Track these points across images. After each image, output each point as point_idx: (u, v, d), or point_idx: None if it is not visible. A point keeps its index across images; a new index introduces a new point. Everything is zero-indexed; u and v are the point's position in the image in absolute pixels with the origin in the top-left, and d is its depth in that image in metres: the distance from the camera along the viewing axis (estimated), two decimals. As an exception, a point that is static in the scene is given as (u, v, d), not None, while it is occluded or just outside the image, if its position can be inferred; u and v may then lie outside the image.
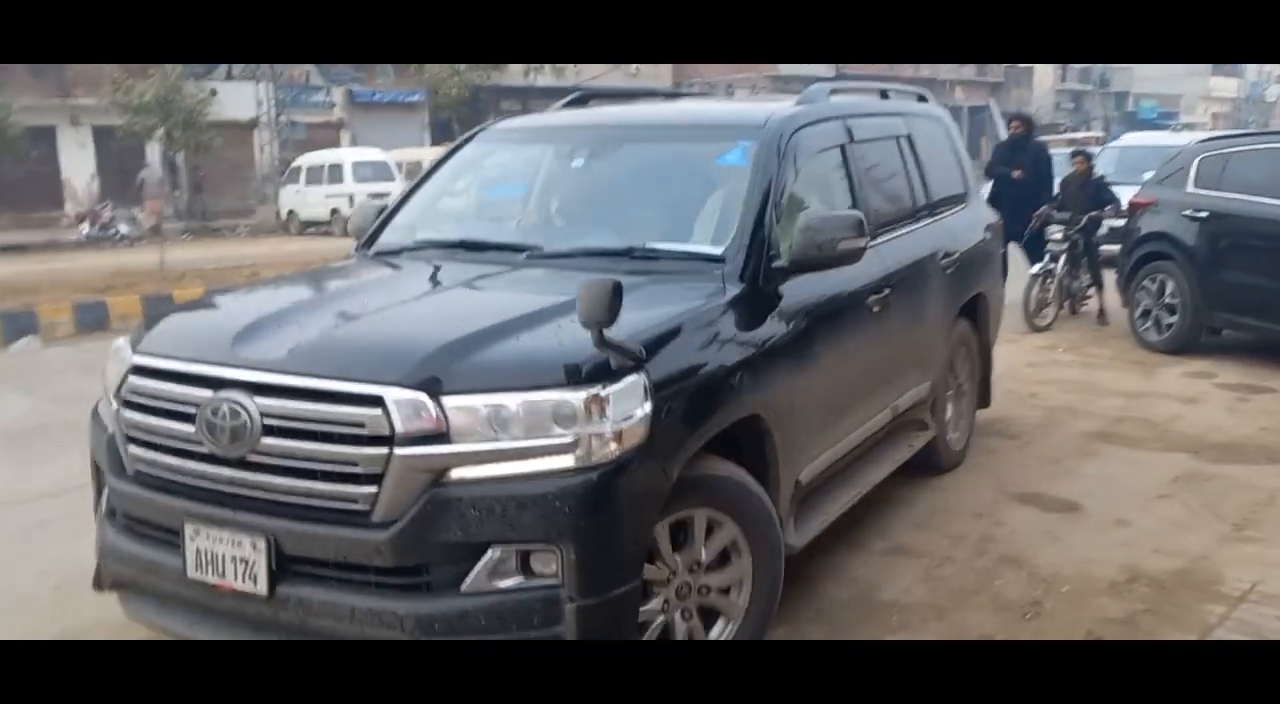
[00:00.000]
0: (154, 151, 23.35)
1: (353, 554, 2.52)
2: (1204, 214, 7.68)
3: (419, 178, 4.43)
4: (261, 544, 2.57)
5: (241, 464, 2.63)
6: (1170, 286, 7.91)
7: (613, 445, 2.52)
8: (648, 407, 2.62)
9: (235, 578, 2.61)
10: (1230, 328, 7.78)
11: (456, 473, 2.49)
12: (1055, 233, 8.96)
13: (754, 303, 3.25)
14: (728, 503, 2.97)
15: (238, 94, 24.42)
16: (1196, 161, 7.97)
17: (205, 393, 2.67)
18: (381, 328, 2.91)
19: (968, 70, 44.40)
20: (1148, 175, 8.79)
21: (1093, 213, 8.92)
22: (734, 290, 3.21)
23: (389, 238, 4.08)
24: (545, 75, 30.48)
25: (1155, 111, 51.56)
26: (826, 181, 4.05)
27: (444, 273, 3.55)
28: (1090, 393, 6.80)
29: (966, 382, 5.27)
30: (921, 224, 4.64)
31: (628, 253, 3.41)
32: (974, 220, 5.35)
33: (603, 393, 2.53)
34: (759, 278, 3.30)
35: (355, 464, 2.51)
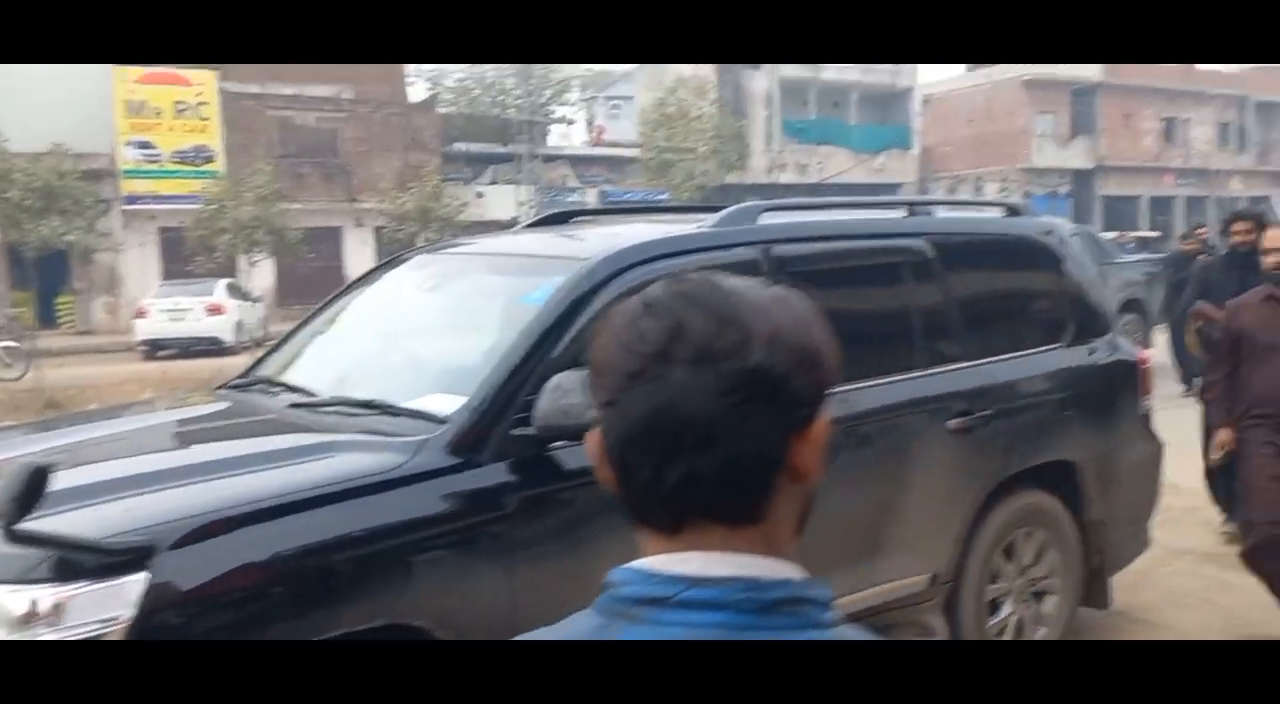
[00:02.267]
0: (426, 248, 25.78)
1: None
2: None
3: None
4: None
5: None
6: None
7: None
8: (128, 614, 2.11)
9: None
10: None
11: None
12: None
13: (449, 481, 2.58)
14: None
15: (499, 195, 26.57)
16: None
17: None
18: None
19: (1245, 160, 41.36)
20: None
21: None
22: (424, 463, 2.57)
23: (266, 369, 3.67)
24: (788, 173, 31.16)
25: None
26: None
27: (187, 416, 3.34)
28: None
29: (1051, 575, 3.99)
30: (924, 371, 3.62)
31: (368, 405, 2.91)
32: (1069, 363, 4.11)
33: (50, 597, 2.09)
34: (484, 448, 2.64)
35: None
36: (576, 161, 29.69)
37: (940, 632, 3.62)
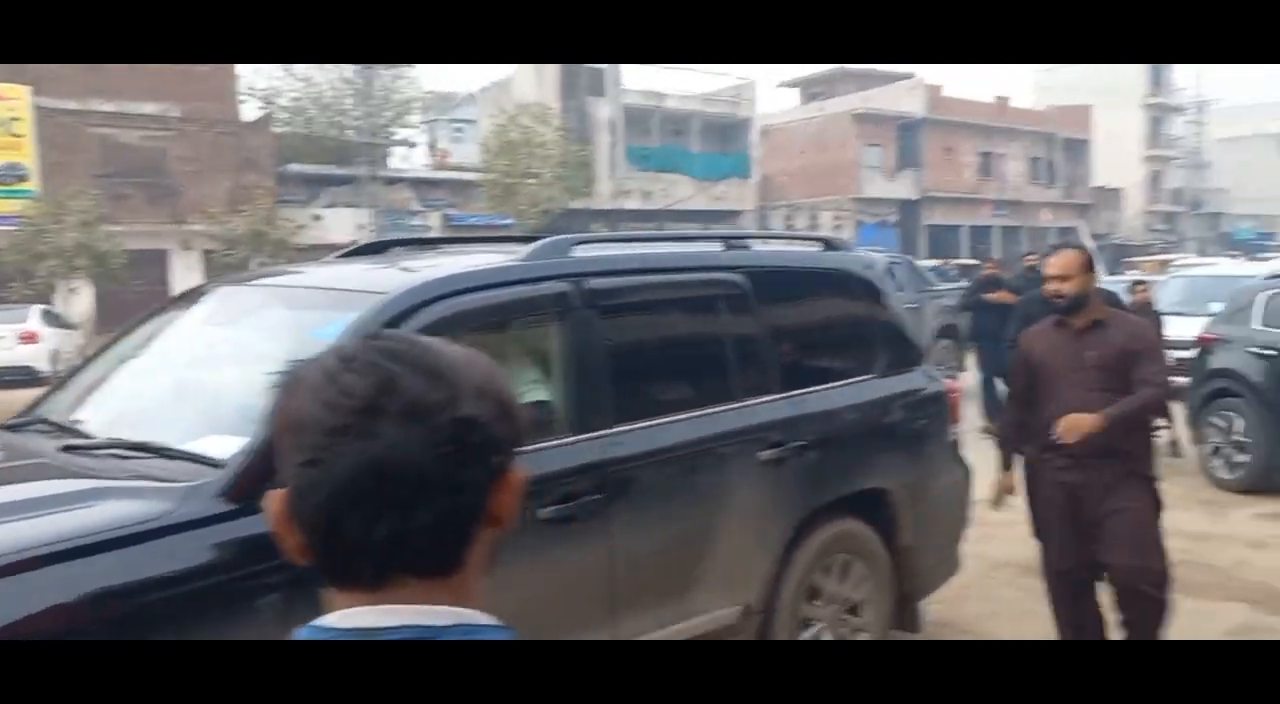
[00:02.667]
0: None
1: None
2: (1272, 352, 7.61)
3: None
4: None
5: None
6: (1240, 424, 7.80)
7: None
8: None
9: None
10: (1306, 468, 7.59)
11: None
12: None
13: (220, 529, 2.42)
14: None
15: (337, 218, 25.89)
16: (1264, 298, 7.95)
17: None
18: None
19: (1053, 193, 44.40)
20: (1214, 307, 8.77)
21: None
22: (193, 510, 2.41)
23: (47, 407, 3.41)
24: (633, 199, 31.56)
25: (1252, 233, 50.54)
26: (511, 364, 3.23)
27: None
28: (1154, 533, 6.67)
29: (864, 601, 4.05)
30: (737, 404, 3.62)
31: (143, 448, 2.75)
32: (882, 393, 4.20)
33: None
34: (262, 494, 2.26)
35: None
36: (419, 185, 29.23)
37: None
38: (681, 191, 32.87)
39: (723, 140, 35.72)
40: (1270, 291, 8.00)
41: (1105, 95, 45.45)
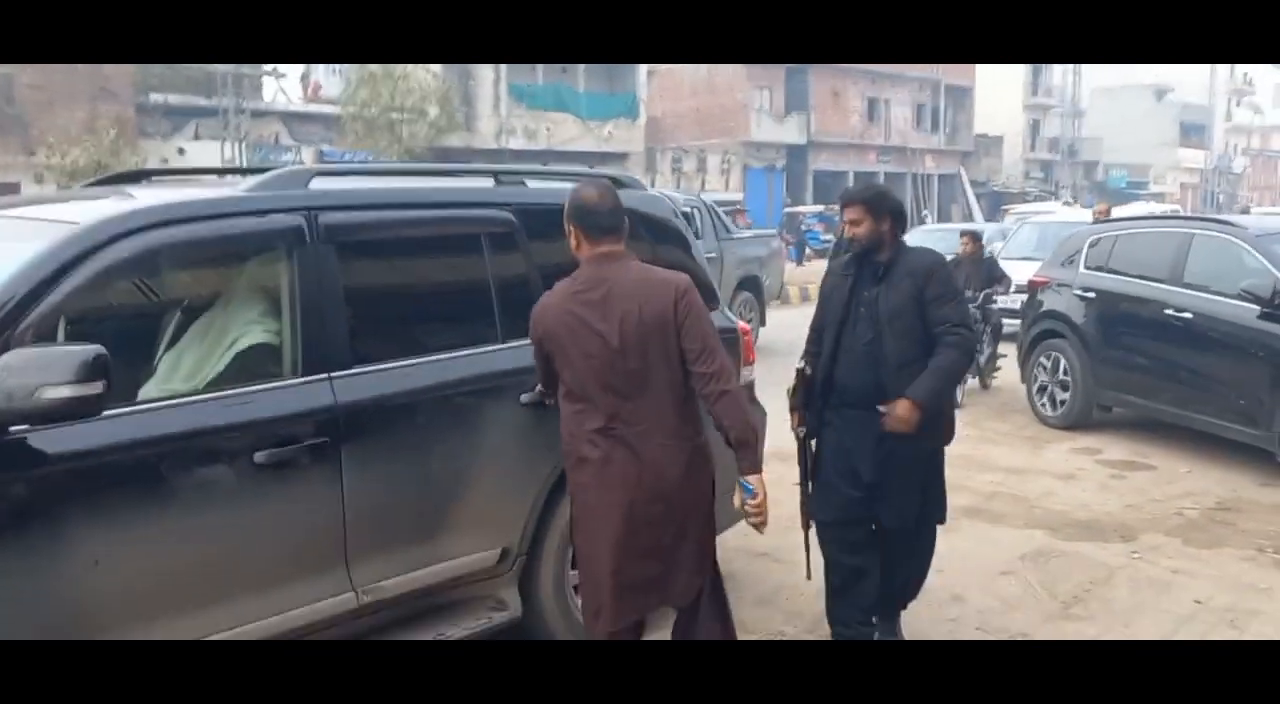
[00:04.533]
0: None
1: None
2: (1092, 294, 7.92)
3: None
4: None
5: None
6: (1063, 364, 8.12)
7: None
8: None
9: None
10: (1118, 406, 7.96)
11: None
12: None
13: None
14: None
15: (204, 152, 24.76)
16: (1088, 243, 8.24)
17: None
18: None
19: (937, 140, 45.30)
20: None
21: (985, 290, 9.17)
22: None
23: None
24: (517, 137, 31.01)
25: (1124, 181, 52.52)
26: (232, 301, 3.13)
27: None
28: (973, 468, 6.93)
29: None
30: (501, 345, 3.56)
31: None
32: None
33: None
34: None
35: None
36: (290, 118, 28.07)
37: (513, 606, 3.59)
38: (568, 132, 32.42)
39: (610, 80, 35.26)
40: (1094, 236, 8.30)
41: (988, 44, 46.29)
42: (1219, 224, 7.44)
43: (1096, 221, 10.98)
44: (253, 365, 2.98)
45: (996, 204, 41.97)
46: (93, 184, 3.92)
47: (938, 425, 3.81)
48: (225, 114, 25.15)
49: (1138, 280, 7.57)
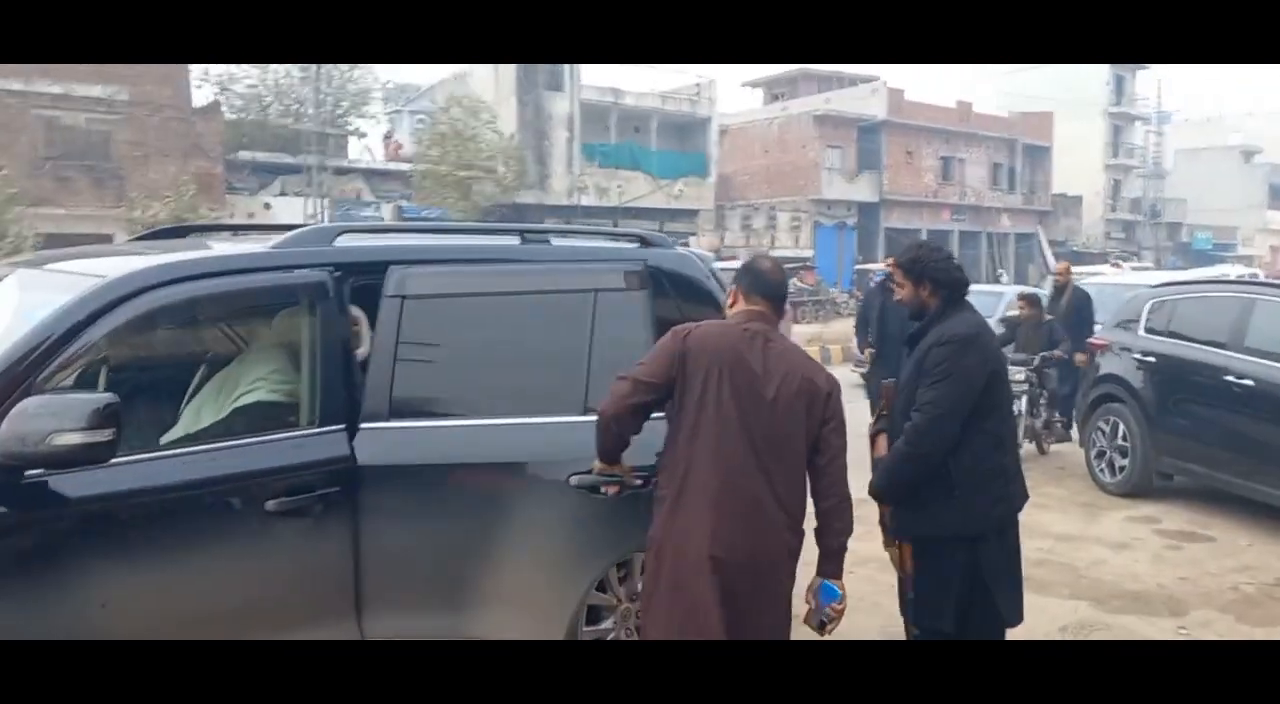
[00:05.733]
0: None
1: None
2: (1152, 358, 7.74)
3: None
4: None
5: None
6: (1122, 429, 7.92)
7: None
8: None
9: None
10: (1178, 474, 7.72)
11: None
12: (1015, 374, 8.88)
13: None
14: None
15: (289, 208, 25.68)
16: (1148, 306, 8.07)
17: None
18: None
19: (1013, 199, 44.78)
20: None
21: (1044, 353, 9.00)
22: None
23: None
24: (589, 195, 31.53)
25: (1210, 243, 51.17)
26: (249, 355, 3.24)
27: None
28: (1023, 534, 6.76)
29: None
30: (532, 418, 3.38)
31: None
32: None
33: None
34: None
35: None
36: (371, 176, 29.02)
37: None
38: (638, 189, 32.87)
39: (681, 139, 35.76)
40: (1155, 299, 8.12)
41: (1068, 103, 45.87)
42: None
43: (1056, 287, 10.72)
44: (254, 422, 3.04)
45: (1078, 263, 41.19)
46: (138, 238, 4.08)
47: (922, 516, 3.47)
48: (310, 171, 26.06)
49: (1198, 345, 7.38)
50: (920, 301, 3.52)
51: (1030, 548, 6.45)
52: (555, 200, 30.70)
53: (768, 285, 3.00)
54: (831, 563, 2.92)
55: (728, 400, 2.75)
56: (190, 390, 3.17)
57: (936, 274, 3.48)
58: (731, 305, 3.05)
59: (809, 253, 34.62)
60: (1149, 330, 7.91)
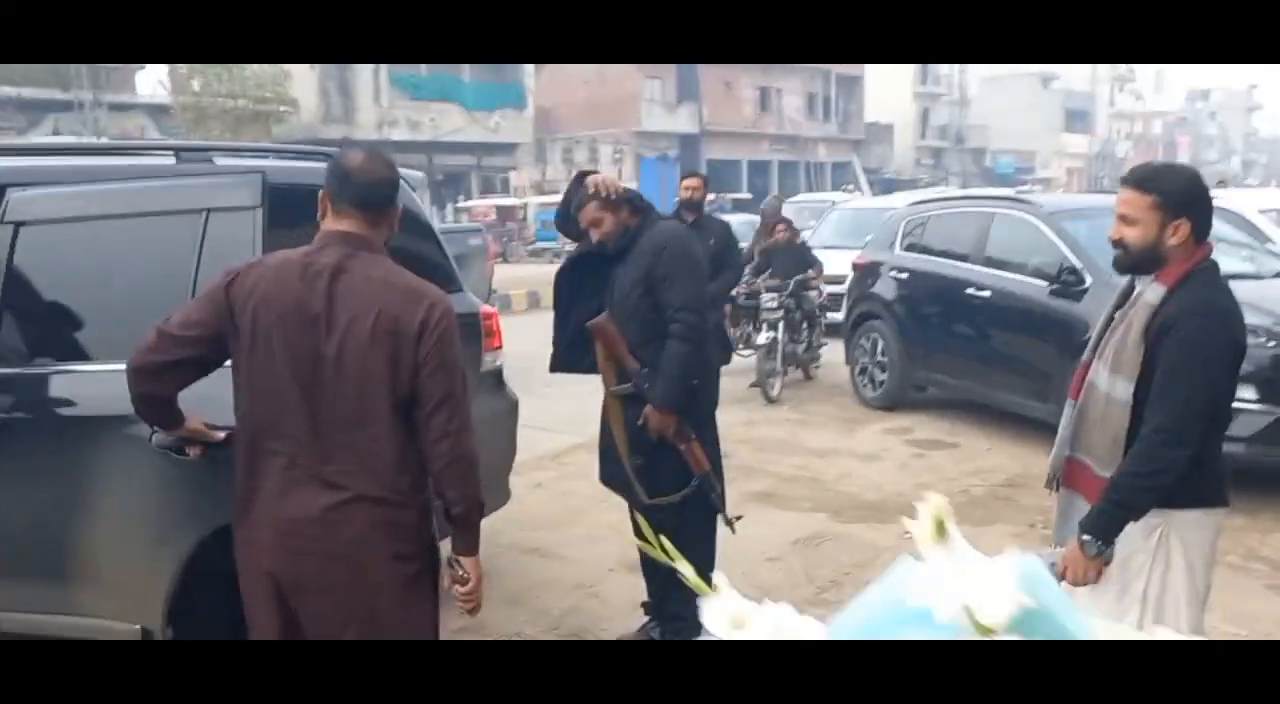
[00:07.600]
0: None
1: None
2: (904, 275, 7.97)
3: None
4: None
5: None
6: (881, 345, 8.16)
7: None
8: None
9: None
10: (930, 385, 8.03)
11: None
12: (769, 301, 8.76)
13: None
14: None
15: (65, 148, 23.82)
16: (903, 225, 8.29)
17: None
18: None
19: (829, 128, 45.88)
20: (869, 238, 9.12)
21: (798, 277, 9.08)
22: None
23: None
24: (399, 129, 30.43)
25: (1012, 167, 53.88)
26: None
27: None
28: (781, 452, 6.90)
29: None
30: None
31: None
32: None
33: None
34: None
35: None
36: (155, 111, 27.12)
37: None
38: (453, 122, 31.97)
39: (497, 69, 34.85)
40: (910, 217, 8.35)
41: (878, 33, 47.01)
42: (1017, 202, 7.53)
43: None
44: None
45: (889, 191, 42.67)
46: None
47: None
48: (83, 107, 24.13)
49: (944, 260, 7.62)
50: (624, 228, 3.68)
51: (785, 465, 6.62)
52: (364, 134, 29.49)
53: (356, 190, 2.23)
54: (459, 539, 2.35)
55: (281, 367, 2.17)
56: None
57: (631, 197, 3.72)
58: (322, 218, 2.29)
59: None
60: (904, 248, 8.13)
